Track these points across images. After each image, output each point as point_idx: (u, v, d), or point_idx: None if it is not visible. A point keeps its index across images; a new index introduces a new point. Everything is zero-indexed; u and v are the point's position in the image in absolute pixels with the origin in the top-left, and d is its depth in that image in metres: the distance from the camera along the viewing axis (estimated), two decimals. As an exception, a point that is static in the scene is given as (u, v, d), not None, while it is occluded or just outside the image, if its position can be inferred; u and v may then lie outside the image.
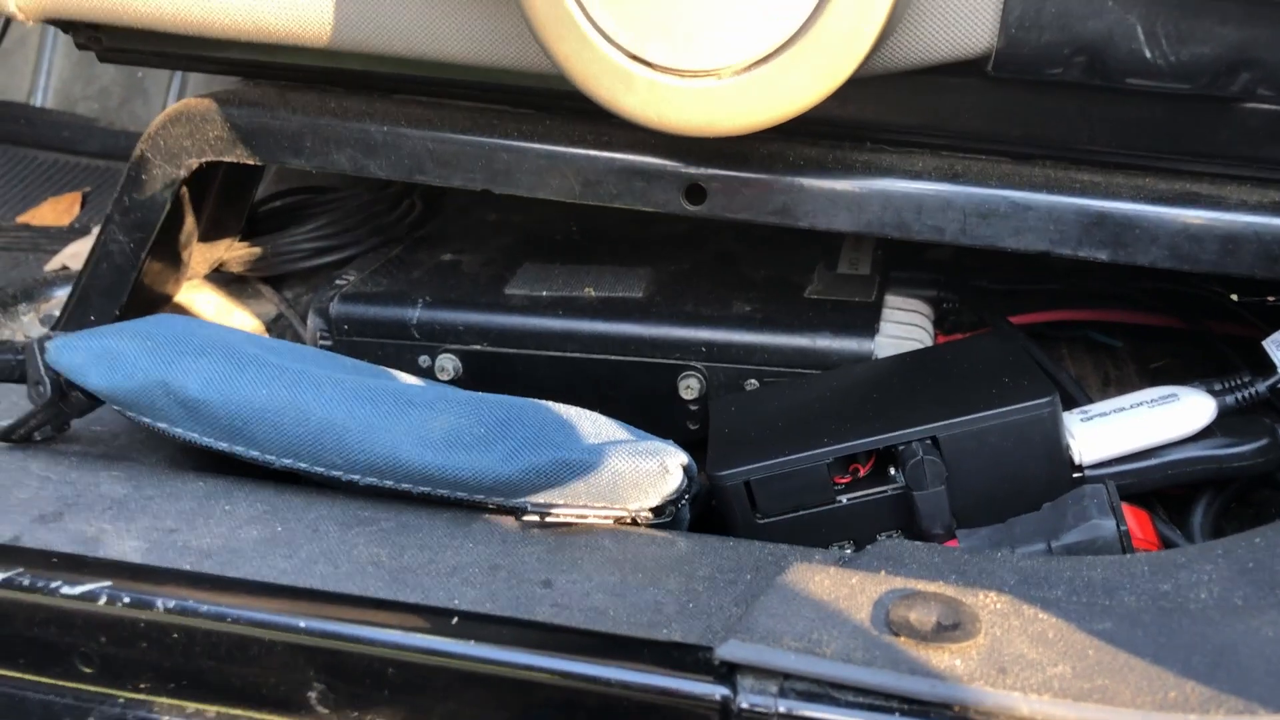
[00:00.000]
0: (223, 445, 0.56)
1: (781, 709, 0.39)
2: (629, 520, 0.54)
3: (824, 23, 0.47)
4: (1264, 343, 0.61)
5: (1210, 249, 0.57)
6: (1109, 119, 0.58)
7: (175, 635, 0.46)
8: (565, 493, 0.53)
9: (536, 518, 0.53)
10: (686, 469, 0.55)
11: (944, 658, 0.39)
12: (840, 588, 0.43)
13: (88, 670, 0.48)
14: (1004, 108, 0.59)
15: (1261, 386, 0.60)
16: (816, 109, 0.56)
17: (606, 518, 0.53)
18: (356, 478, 0.55)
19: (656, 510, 0.54)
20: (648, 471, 0.53)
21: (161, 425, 0.56)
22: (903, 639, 0.40)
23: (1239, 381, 0.61)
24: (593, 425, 0.57)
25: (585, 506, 0.53)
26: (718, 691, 0.41)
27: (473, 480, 0.54)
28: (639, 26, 0.48)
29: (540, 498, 0.53)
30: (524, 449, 0.54)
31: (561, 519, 0.53)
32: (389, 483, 0.54)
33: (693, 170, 0.62)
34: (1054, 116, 0.58)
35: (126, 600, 0.46)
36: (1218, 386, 0.61)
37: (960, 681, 0.38)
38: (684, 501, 0.55)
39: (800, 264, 0.76)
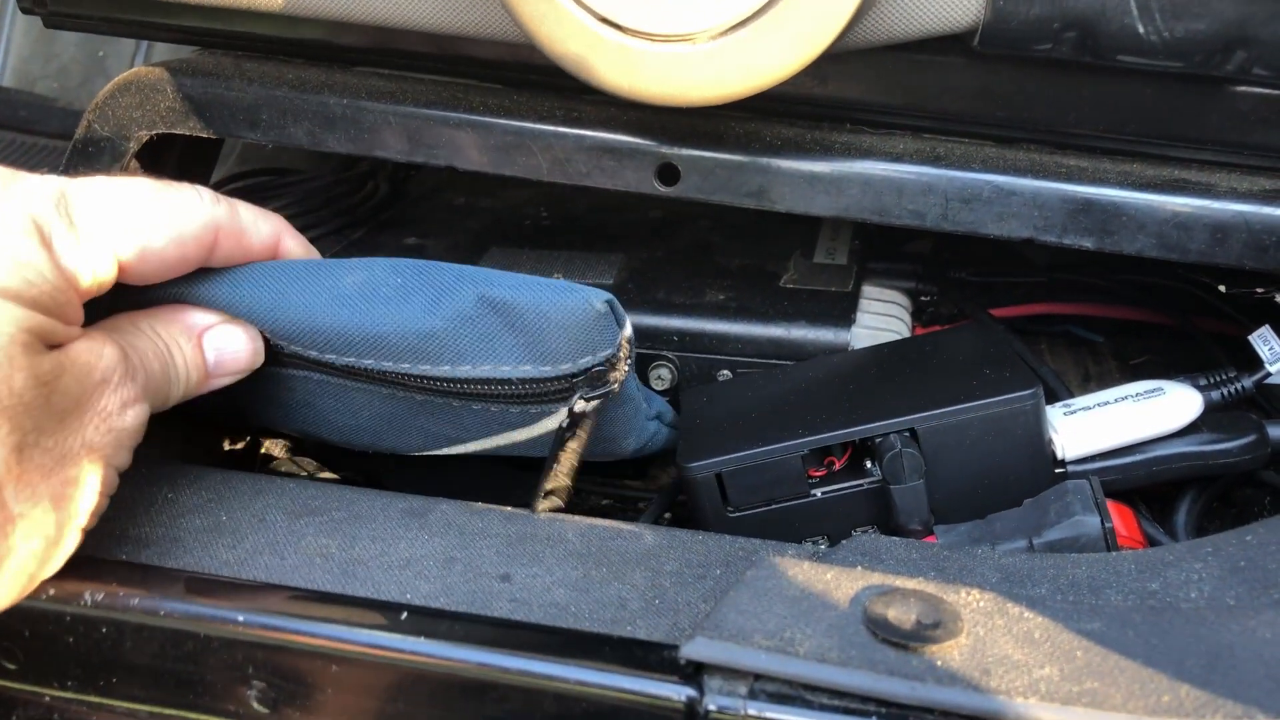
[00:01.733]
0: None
1: (751, 711, 0.37)
2: (564, 391, 0.51)
3: (804, -11, 0.44)
4: (1250, 337, 0.60)
5: (1199, 238, 0.56)
6: (1097, 101, 0.55)
7: (104, 629, 0.43)
8: (493, 346, 0.50)
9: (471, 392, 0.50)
10: (612, 306, 0.51)
11: (924, 658, 0.37)
12: (815, 583, 0.41)
13: (11, 667, 0.44)
14: (989, 88, 0.56)
15: (1248, 382, 0.59)
16: (795, 87, 0.54)
17: (536, 380, 0.50)
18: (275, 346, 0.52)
19: (592, 379, 0.50)
20: (573, 309, 0.50)
21: None
22: (881, 638, 0.37)
23: (1225, 376, 0.59)
24: (514, 276, 0.53)
25: (515, 367, 0.50)
26: (683, 692, 0.38)
27: (395, 337, 0.50)
28: (609, -12, 0.46)
29: (468, 360, 0.50)
30: (445, 294, 0.51)
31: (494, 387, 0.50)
32: (312, 352, 0.51)
33: (666, 150, 0.59)
34: (1040, 98, 0.56)
35: (52, 593, 0.43)
36: (1203, 381, 0.59)
37: (942, 683, 0.36)
38: (628, 365, 0.51)
39: (776, 253, 0.74)
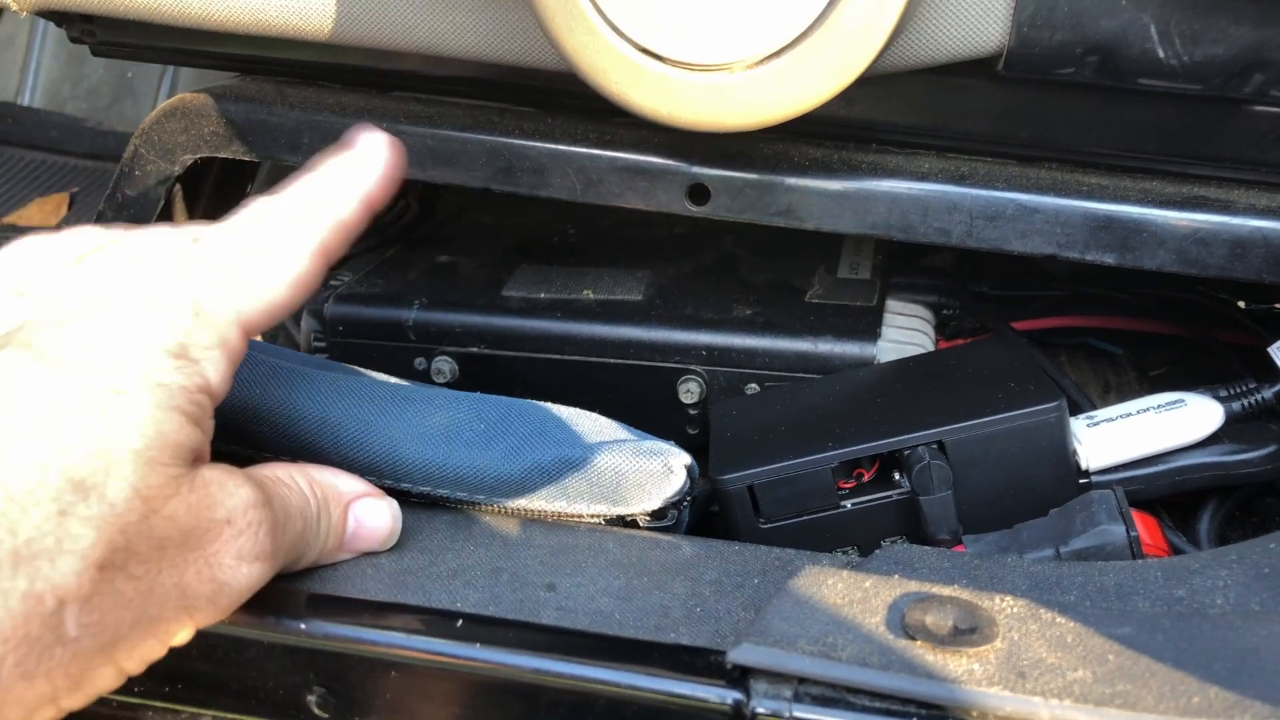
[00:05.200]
0: (216, 444, 0.55)
1: (796, 714, 0.38)
2: (629, 521, 0.53)
3: (837, 18, 0.46)
4: (1270, 349, 0.61)
5: (1218, 253, 0.57)
6: (1118, 121, 0.57)
7: (169, 637, 0.44)
8: (567, 492, 0.52)
9: (538, 517, 0.52)
10: (689, 469, 0.54)
11: (962, 662, 0.38)
12: (853, 591, 0.42)
13: (78, 674, 0.46)
14: (1012, 109, 0.58)
15: (1268, 393, 0.60)
16: (822, 109, 0.56)
17: (608, 516, 0.52)
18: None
19: (657, 513, 0.53)
20: (651, 471, 0.52)
21: None
22: (919, 643, 0.39)
23: (1245, 388, 0.60)
24: (593, 424, 0.56)
25: (588, 506, 0.52)
26: (730, 696, 0.40)
27: (473, 478, 0.52)
28: (651, 19, 0.48)
29: (541, 498, 0.52)
30: (525, 446, 0.53)
31: (562, 517, 0.52)
32: (388, 481, 0.53)
33: (696, 170, 0.61)
34: (1062, 118, 0.58)
35: (119, 601, 0.45)
36: (1224, 392, 0.60)
37: (979, 686, 0.37)
38: (686, 503, 0.54)
39: (801, 268, 0.75)
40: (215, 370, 0.41)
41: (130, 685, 0.45)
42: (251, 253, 0.43)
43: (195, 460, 0.40)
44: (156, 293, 0.40)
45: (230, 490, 0.40)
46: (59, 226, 1.17)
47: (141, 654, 0.39)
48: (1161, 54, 0.49)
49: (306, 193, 0.45)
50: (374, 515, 0.49)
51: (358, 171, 0.46)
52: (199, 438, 0.40)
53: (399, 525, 0.50)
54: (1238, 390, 0.60)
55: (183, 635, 0.41)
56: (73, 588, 0.35)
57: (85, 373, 0.37)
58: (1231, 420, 0.59)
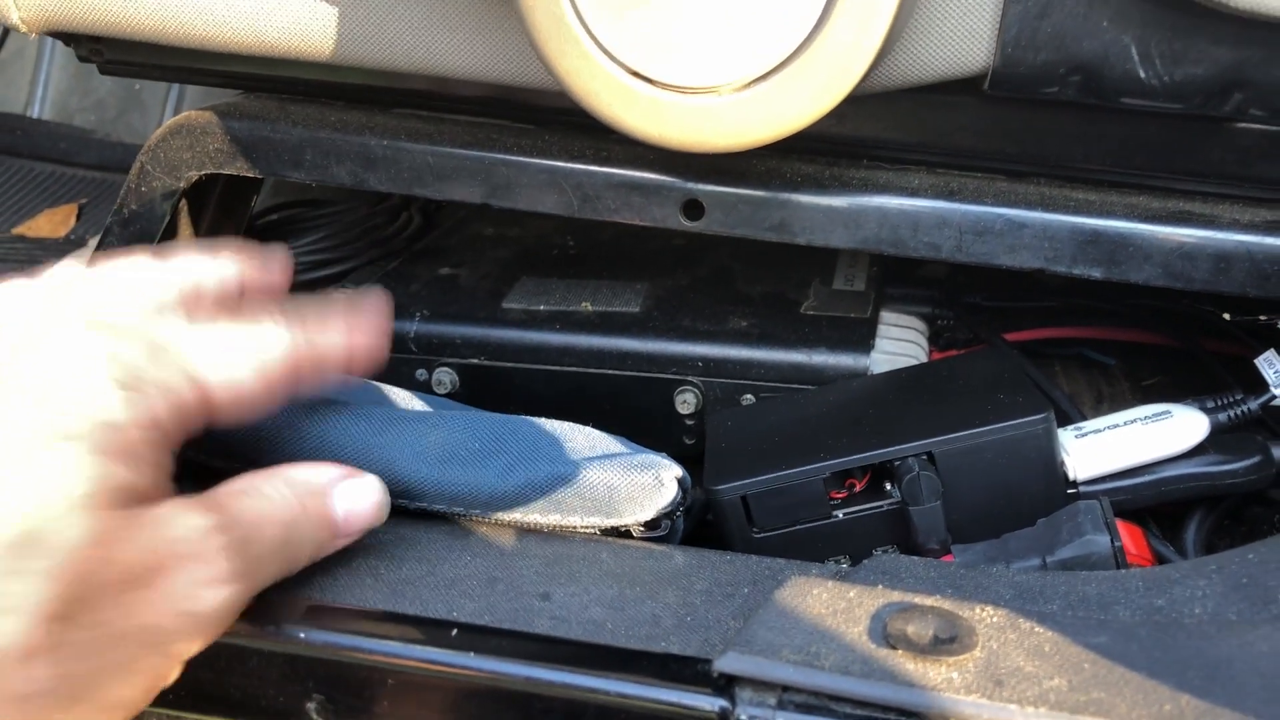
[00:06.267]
0: (217, 463, 0.56)
1: (780, 721, 0.40)
2: (623, 531, 0.54)
3: (823, 41, 0.47)
4: (1256, 361, 0.62)
5: (1203, 267, 0.58)
6: (1103, 137, 0.58)
7: (173, 646, 0.46)
8: (561, 506, 0.53)
9: (533, 529, 0.53)
10: (681, 482, 0.55)
11: (941, 670, 0.39)
12: (838, 601, 0.43)
13: (84, 681, 0.47)
14: (999, 126, 0.59)
15: (1253, 404, 0.61)
16: (813, 126, 0.57)
17: (602, 527, 0.53)
18: None
19: (650, 524, 0.54)
20: (643, 485, 0.54)
21: None
22: (900, 652, 0.40)
23: (1231, 399, 0.61)
24: (586, 439, 0.57)
25: (581, 519, 0.53)
26: (716, 703, 0.41)
27: (469, 495, 0.54)
28: (641, 44, 0.49)
29: (536, 512, 0.54)
30: (519, 463, 0.54)
31: (557, 529, 0.53)
32: None
33: (691, 186, 0.62)
34: (1049, 135, 0.59)
35: (125, 611, 0.46)
36: (1210, 404, 0.61)
37: (957, 694, 0.38)
38: (678, 514, 0.55)
39: (796, 280, 0.76)
40: (168, 406, 0.40)
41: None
42: (229, 339, 0.44)
43: (146, 498, 0.39)
44: (115, 320, 0.40)
45: (180, 523, 0.39)
46: (67, 237, 1.19)
47: (122, 698, 0.39)
48: (1143, 74, 0.50)
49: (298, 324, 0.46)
50: (359, 495, 0.48)
51: (353, 325, 0.48)
52: (151, 476, 0.39)
53: (387, 497, 0.49)
54: (1224, 401, 0.61)
55: (173, 673, 0.41)
56: (21, 646, 0.34)
57: (26, 414, 0.36)
58: (1217, 431, 0.60)
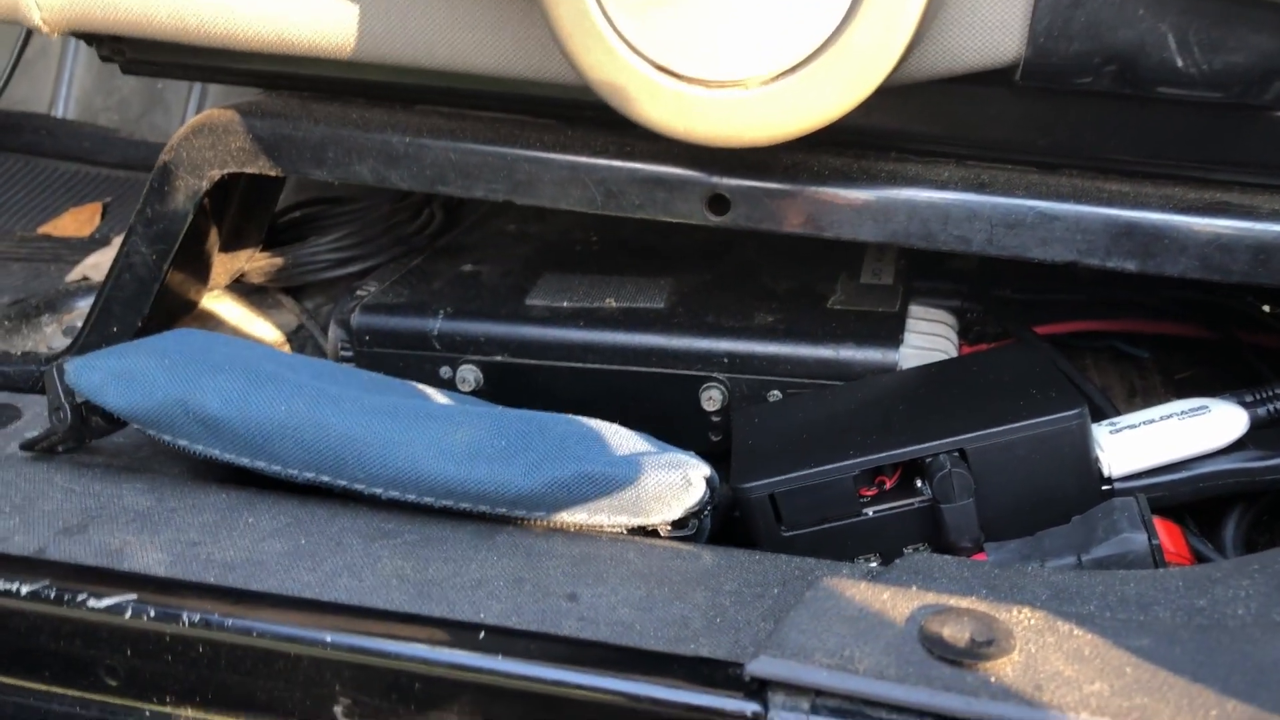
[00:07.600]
0: (244, 460, 0.56)
1: (813, 726, 0.39)
2: (649, 530, 0.53)
3: (852, 33, 0.46)
4: (1296, 354, 0.61)
5: (1241, 259, 0.57)
6: (1137, 128, 0.57)
7: (200, 649, 0.45)
8: (587, 506, 0.53)
9: (559, 527, 0.52)
10: (709, 481, 0.54)
11: (979, 674, 0.38)
12: (872, 603, 0.42)
13: (113, 683, 0.47)
14: (1030, 117, 0.58)
15: (1294, 398, 0.60)
16: (841, 118, 0.56)
17: (628, 526, 0.53)
18: (378, 491, 0.54)
19: (678, 523, 0.53)
20: (670, 484, 0.53)
21: (182, 442, 0.56)
22: (936, 655, 0.39)
23: (1270, 393, 0.60)
24: (614, 438, 0.57)
25: (608, 518, 0.53)
26: (749, 708, 0.40)
27: (494, 493, 0.53)
28: (665, 37, 0.48)
29: (562, 511, 0.53)
30: (545, 462, 0.54)
31: (584, 528, 0.52)
32: (410, 496, 0.54)
33: (716, 180, 0.61)
34: (1081, 126, 0.58)
35: (152, 614, 0.46)
36: (1249, 398, 0.60)
37: (996, 699, 0.37)
38: (706, 513, 0.54)
39: (823, 274, 0.75)
40: None
41: (164, 696, 0.46)
42: None
43: None
44: None
45: None
46: (93, 236, 1.20)
47: None
48: (1180, 63, 0.49)
49: None
50: None
51: None
52: None
53: None
54: (1263, 395, 0.60)
55: None
56: None
57: None
58: (1256, 426, 0.58)
